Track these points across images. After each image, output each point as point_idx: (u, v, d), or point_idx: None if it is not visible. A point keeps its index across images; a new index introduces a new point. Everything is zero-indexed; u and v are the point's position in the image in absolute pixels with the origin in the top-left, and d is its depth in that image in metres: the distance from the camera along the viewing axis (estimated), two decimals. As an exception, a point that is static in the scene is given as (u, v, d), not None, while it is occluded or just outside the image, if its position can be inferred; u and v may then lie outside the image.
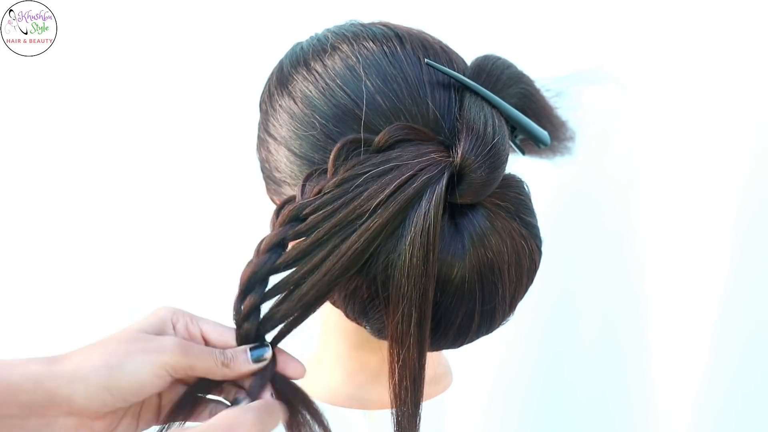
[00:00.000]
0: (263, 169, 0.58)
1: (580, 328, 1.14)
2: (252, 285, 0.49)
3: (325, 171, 0.50)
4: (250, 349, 0.51)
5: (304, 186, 0.50)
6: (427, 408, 0.59)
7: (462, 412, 1.15)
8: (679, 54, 1.02)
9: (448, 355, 0.65)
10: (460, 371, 0.73)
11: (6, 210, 1.00)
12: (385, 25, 0.56)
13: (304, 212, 0.48)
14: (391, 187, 0.47)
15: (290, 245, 0.49)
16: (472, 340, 0.54)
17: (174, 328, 0.53)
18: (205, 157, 1.01)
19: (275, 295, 0.49)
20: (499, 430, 1.17)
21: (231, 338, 0.52)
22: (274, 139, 0.55)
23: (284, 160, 0.54)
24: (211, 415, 0.53)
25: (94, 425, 0.50)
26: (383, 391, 0.60)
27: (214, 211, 1.03)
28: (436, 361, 0.65)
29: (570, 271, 1.11)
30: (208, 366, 0.51)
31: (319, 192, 0.49)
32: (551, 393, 1.17)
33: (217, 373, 0.51)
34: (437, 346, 0.55)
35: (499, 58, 0.55)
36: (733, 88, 1.02)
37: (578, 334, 1.14)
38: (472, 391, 1.15)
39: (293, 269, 0.48)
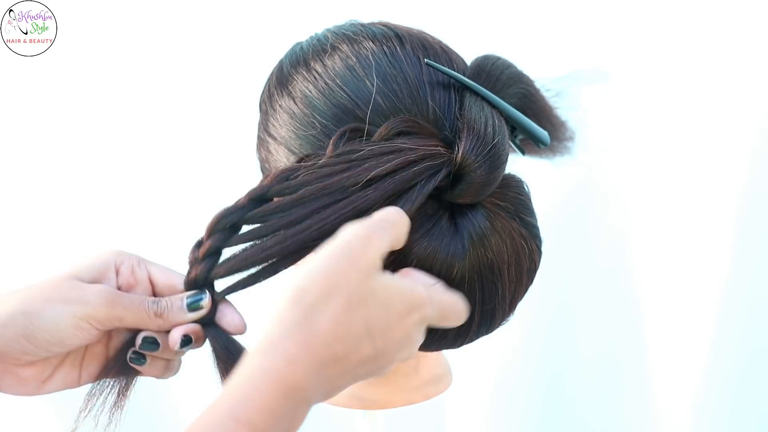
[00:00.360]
0: (263, 169, 0.58)
1: (581, 328, 1.14)
2: (219, 227, 0.46)
3: (323, 156, 0.49)
4: (187, 297, 0.48)
5: (300, 160, 0.49)
6: (427, 408, 0.59)
7: (463, 412, 1.15)
8: (678, 54, 1.02)
9: (448, 355, 0.65)
10: (460, 371, 0.73)
11: (5, 209, 1.00)
12: (385, 25, 0.56)
13: (296, 174, 0.47)
14: (392, 165, 0.47)
15: (274, 201, 0.47)
16: (472, 340, 0.54)
17: (117, 271, 0.50)
18: (205, 157, 1.01)
19: (241, 243, 0.46)
20: (501, 429, 1.17)
21: (179, 283, 0.49)
22: (274, 139, 0.55)
23: (284, 160, 0.54)
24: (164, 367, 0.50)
25: (21, 372, 0.48)
26: (383, 391, 0.60)
27: (215, 211, 1.03)
28: (436, 361, 0.65)
29: (570, 271, 1.11)
30: (139, 317, 0.47)
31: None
32: (554, 392, 1.17)
33: (151, 324, 0.48)
34: (437, 346, 0.55)
35: (499, 58, 0.55)
36: (732, 88, 1.02)
37: (580, 334, 1.14)
38: (473, 391, 1.14)
39: (269, 222, 0.46)
